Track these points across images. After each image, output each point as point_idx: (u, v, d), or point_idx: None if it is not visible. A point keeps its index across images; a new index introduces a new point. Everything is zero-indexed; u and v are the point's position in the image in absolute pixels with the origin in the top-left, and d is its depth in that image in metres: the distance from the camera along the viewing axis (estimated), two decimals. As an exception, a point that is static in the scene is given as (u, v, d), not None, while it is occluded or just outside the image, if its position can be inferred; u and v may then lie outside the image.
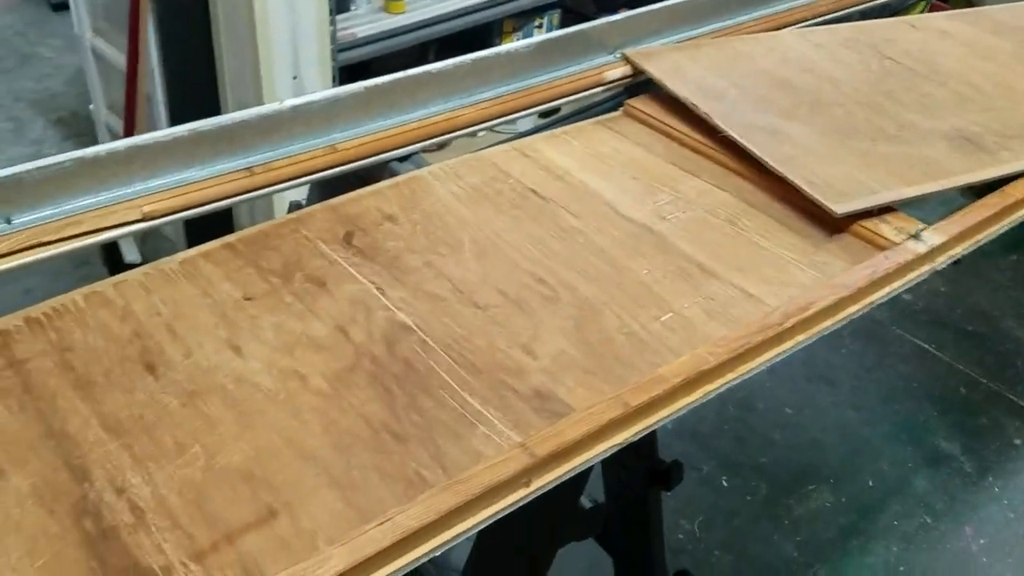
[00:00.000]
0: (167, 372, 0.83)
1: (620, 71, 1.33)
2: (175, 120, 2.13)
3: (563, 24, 3.02)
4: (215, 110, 2.12)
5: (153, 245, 2.33)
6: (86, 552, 0.67)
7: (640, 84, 1.35)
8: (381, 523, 0.69)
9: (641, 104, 1.29)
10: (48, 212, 0.93)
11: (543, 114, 2.28)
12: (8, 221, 0.92)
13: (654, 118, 1.26)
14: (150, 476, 0.74)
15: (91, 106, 2.45)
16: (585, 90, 1.31)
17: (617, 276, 0.98)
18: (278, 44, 1.95)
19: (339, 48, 2.22)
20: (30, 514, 0.70)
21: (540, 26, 2.87)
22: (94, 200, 0.95)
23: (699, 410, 0.86)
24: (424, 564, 0.71)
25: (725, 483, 2.01)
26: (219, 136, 1.01)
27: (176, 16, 1.98)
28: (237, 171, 1.03)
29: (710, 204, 1.11)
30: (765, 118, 1.22)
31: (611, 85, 1.33)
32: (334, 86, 2.23)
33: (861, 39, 1.47)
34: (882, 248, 1.03)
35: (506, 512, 0.74)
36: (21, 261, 0.90)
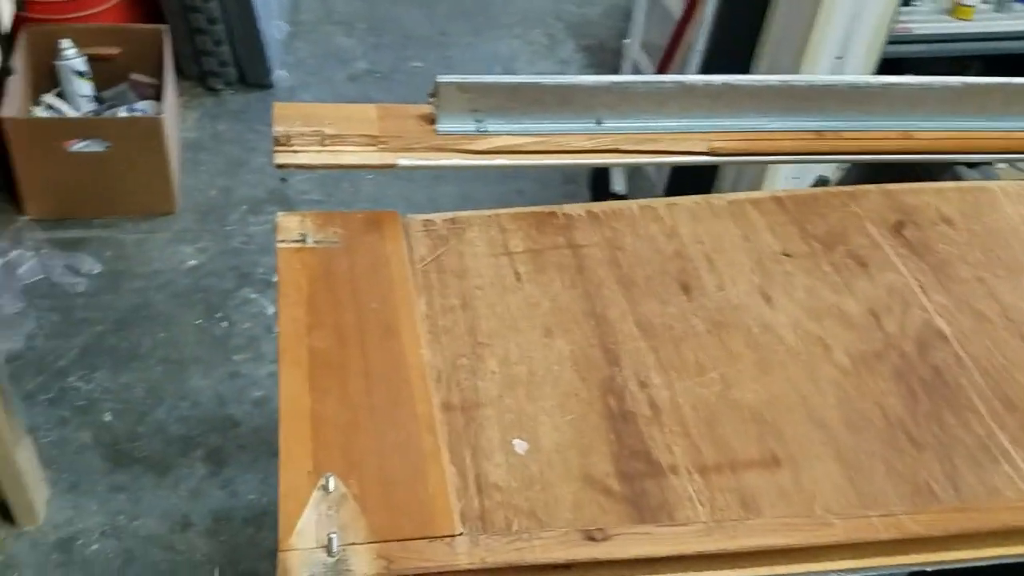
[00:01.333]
0: (699, 297, 0.88)
1: None
2: (707, 71, 2.21)
3: None
4: (745, 71, 2.16)
5: (636, 183, 2.46)
6: (607, 424, 0.74)
7: None
8: (885, 516, 0.66)
9: None
10: (635, 124, 1.01)
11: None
12: (599, 122, 1.02)
13: None
14: (670, 382, 0.79)
15: (626, 40, 2.62)
16: None
17: None
18: (836, 20, 1.91)
19: (890, 40, 2.12)
20: (567, 374, 0.79)
21: (1122, 67, 2.47)
22: (674, 124, 1.02)
23: None
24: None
25: None
26: (801, 95, 1.02)
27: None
28: (807, 132, 1.03)
29: None
30: None
31: None
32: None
33: None
34: None
35: (1010, 559, 0.68)
36: (604, 161, 0.99)
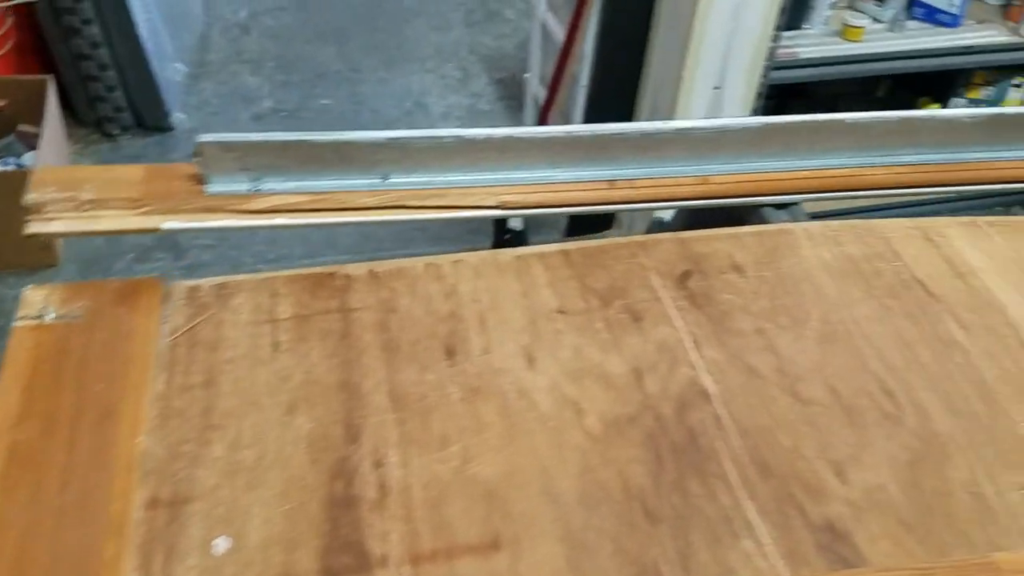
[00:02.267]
0: (463, 361, 0.83)
1: (1086, 167, 1.08)
2: (592, 103, 2.19)
3: None
4: (630, 103, 2.13)
5: (538, 218, 2.43)
6: (327, 512, 0.70)
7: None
8: (594, 605, 0.62)
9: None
10: (422, 179, 0.97)
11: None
12: (385, 178, 0.98)
13: None
14: (407, 459, 0.74)
15: (526, 74, 2.61)
16: (1030, 180, 1.08)
17: (989, 418, 0.80)
18: (710, 50, 1.89)
19: (775, 66, 2.10)
20: (298, 457, 0.74)
21: (1019, 86, 2.48)
22: (462, 178, 0.98)
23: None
24: None
25: None
26: (592, 144, 0.99)
27: (620, 6, 2.01)
28: (600, 181, 1.00)
29: None
30: None
31: (1071, 181, 1.08)
32: (757, 104, 2.13)
33: None
34: None
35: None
36: (388, 217, 0.96)
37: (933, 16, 2.33)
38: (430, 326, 0.87)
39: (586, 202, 0.99)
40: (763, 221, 1.03)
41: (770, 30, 1.92)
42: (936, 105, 2.54)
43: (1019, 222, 1.03)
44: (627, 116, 2.18)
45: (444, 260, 0.96)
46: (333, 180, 0.97)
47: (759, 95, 2.13)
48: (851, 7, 2.42)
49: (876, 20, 2.34)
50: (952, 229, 1.02)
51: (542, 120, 2.27)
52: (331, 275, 0.93)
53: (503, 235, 1.65)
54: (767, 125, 1.02)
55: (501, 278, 0.93)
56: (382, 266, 0.95)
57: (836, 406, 0.80)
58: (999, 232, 1.02)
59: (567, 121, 2.32)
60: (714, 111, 2.02)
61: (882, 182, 1.04)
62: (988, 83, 2.48)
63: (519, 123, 2.89)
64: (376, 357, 0.84)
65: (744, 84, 1.99)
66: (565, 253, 0.96)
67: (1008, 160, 1.08)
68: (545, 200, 0.98)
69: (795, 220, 1.03)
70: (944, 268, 0.96)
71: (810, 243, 0.98)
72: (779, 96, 2.50)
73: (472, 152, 0.98)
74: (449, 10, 3.61)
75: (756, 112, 2.16)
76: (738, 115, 2.08)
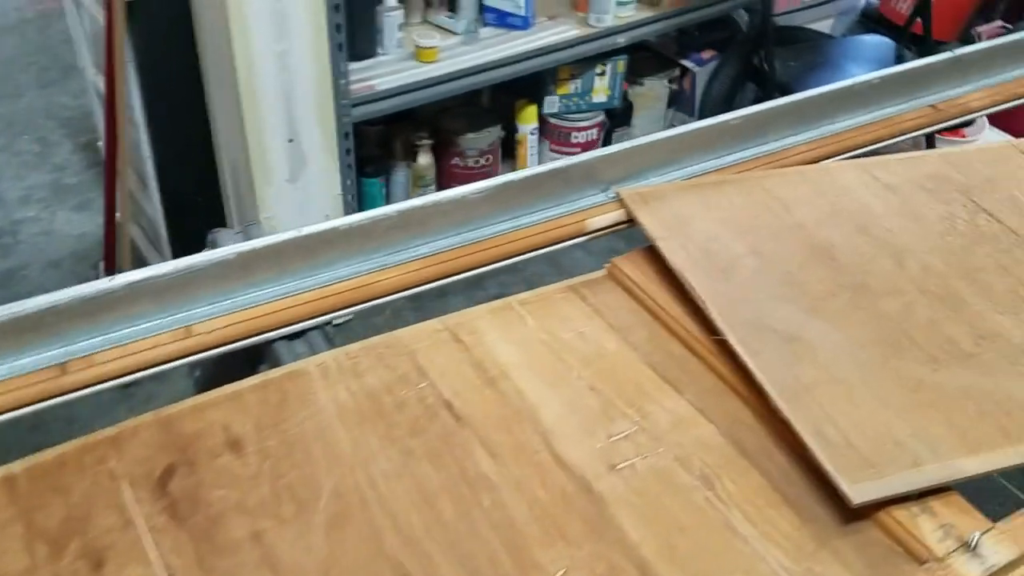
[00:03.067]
0: None
1: (610, 217, 1.03)
2: (163, 171, 1.93)
3: (631, 71, 2.71)
4: (210, 167, 1.91)
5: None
6: None
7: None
8: None
9: (630, 265, 0.99)
10: None
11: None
12: None
13: (642, 289, 0.96)
14: None
15: (100, 143, 2.29)
16: (559, 243, 1.01)
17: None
18: (265, 103, 1.72)
19: (354, 103, 1.98)
20: None
21: (602, 74, 2.56)
22: None
23: None
24: None
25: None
26: (25, 326, 0.77)
27: (160, 68, 1.77)
28: (47, 368, 0.78)
29: (685, 445, 0.80)
30: (784, 312, 0.90)
31: (596, 234, 1.03)
32: (345, 144, 2.00)
33: (952, 177, 1.12)
34: (919, 559, 0.71)
35: None
36: None
37: (505, 20, 2.33)
38: None
39: (35, 399, 0.77)
40: (276, 363, 0.88)
41: (328, 70, 1.78)
42: (533, 106, 2.56)
43: (552, 294, 0.96)
44: (210, 181, 1.95)
45: None
46: None
47: (345, 135, 2.00)
48: (425, 21, 2.35)
49: (452, 32, 2.30)
50: (483, 321, 0.92)
51: (108, 196, 1.96)
52: None
53: None
54: (243, 253, 0.86)
55: None
56: None
57: (355, 610, 0.67)
58: (532, 312, 0.94)
59: (143, 184, 2.04)
60: (297, 164, 1.85)
61: (393, 286, 0.93)
62: (574, 76, 2.54)
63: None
64: None
65: (320, 131, 1.84)
66: (10, 480, 0.74)
67: (528, 227, 1.01)
68: None
69: (312, 351, 0.89)
70: (473, 377, 0.86)
71: (325, 383, 0.84)
72: (389, 122, 2.39)
73: None
74: (18, 71, 3.13)
75: (349, 152, 2.03)
76: (325, 163, 1.93)
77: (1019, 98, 1.31)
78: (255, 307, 0.87)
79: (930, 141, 2.70)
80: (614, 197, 1.05)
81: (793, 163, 1.15)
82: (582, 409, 0.83)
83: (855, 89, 1.18)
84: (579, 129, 2.61)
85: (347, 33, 1.94)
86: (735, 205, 1.05)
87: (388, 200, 2.42)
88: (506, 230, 0.99)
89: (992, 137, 3.10)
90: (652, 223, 1.01)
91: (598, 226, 1.03)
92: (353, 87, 1.97)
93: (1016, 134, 3.17)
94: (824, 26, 3.76)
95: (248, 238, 0.91)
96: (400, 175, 2.40)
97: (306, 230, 0.87)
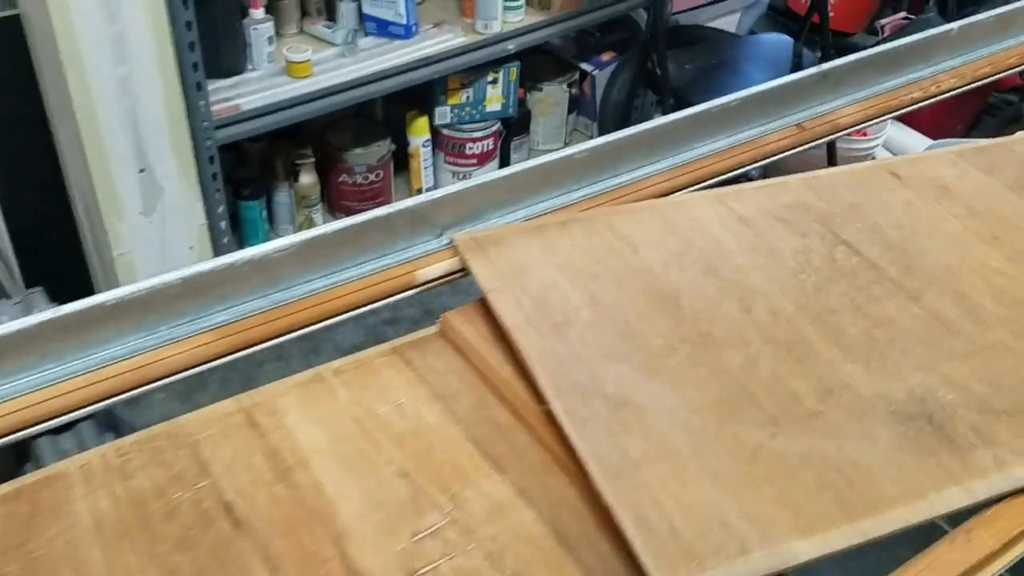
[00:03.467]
0: None
1: (443, 266, 0.94)
2: (8, 208, 1.78)
3: (529, 76, 2.63)
4: (63, 201, 1.77)
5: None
6: None
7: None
8: None
9: (462, 321, 0.90)
10: None
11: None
12: None
13: (474, 349, 0.87)
14: None
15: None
16: (384, 298, 0.92)
17: None
18: (108, 132, 1.58)
19: (217, 124, 1.85)
20: None
21: (495, 82, 2.47)
22: None
23: None
24: None
25: None
26: None
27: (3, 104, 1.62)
28: None
29: (500, 537, 0.71)
30: (618, 373, 0.82)
31: (427, 287, 0.94)
32: (210, 169, 1.87)
33: (813, 206, 1.05)
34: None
35: None
36: None
37: (386, 30, 2.22)
38: None
39: None
40: (38, 461, 0.76)
41: (179, 93, 1.66)
42: (424, 118, 2.46)
43: (372, 360, 0.86)
44: (63, 216, 1.81)
45: None
46: None
47: (210, 160, 1.87)
48: (302, 32, 2.23)
49: (331, 44, 2.18)
50: (288, 398, 0.82)
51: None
52: None
53: None
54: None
55: None
56: None
57: None
58: (346, 383, 0.84)
59: None
60: (152, 195, 1.72)
61: (180, 363, 0.82)
62: (464, 85, 2.44)
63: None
64: None
65: (175, 158, 1.71)
66: None
67: (344, 283, 0.91)
68: None
69: (81, 446, 0.78)
70: (264, 470, 0.75)
71: (86, 488, 0.73)
72: (272, 138, 2.27)
73: None
74: None
75: (216, 177, 1.90)
76: (185, 192, 1.80)
77: (891, 112, 1.25)
78: (11, 399, 0.76)
79: (831, 149, 2.67)
80: (448, 244, 0.96)
81: (647, 196, 1.07)
82: (388, 502, 0.74)
83: (711, 113, 1.10)
84: (474, 140, 2.51)
85: (209, 50, 1.81)
86: (578, 248, 0.96)
87: (271, 223, 2.29)
88: (321, 288, 0.89)
89: (895, 133, 3.09)
90: (485, 272, 0.92)
91: (429, 277, 0.93)
92: (216, 107, 1.84)
93: (923, 127, 3.15)
94: (730, 22, 3.73)
95: (30, 308, 0.80)
96: (283, 196, 2.28)
97: (66, 308, 0.76)
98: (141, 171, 1.66)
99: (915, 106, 1.30)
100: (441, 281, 0.94)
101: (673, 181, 1.09)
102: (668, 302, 0.90)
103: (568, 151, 1.02)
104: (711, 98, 1.13)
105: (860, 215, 1.04)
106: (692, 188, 1.10)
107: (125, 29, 1.49)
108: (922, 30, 1.33)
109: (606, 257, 0.95)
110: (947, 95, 1.34)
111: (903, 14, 3.63)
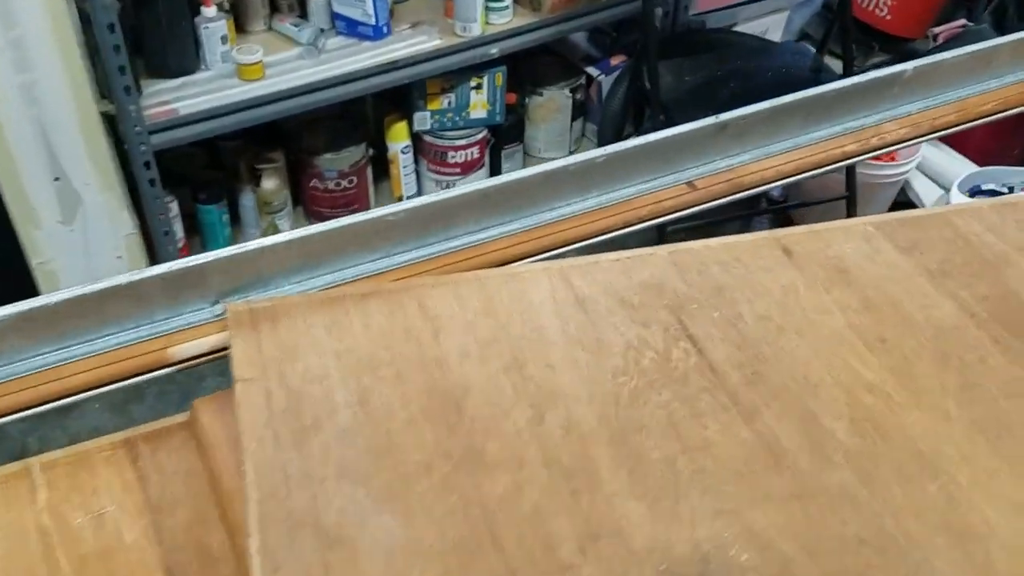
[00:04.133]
0: None
1: (207, 342, 0.83)
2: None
3: (530, 79, 2.49)
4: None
5: None
6: None
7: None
8: None
9: (211, 411, 0.79)
10: None
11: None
12: None
13: (213, 446, 0.76)
14: None
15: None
16: (124, 379, 0.81)
17: None
18: (16, 140, 1.52)
19: (152, 129, 1.77)
20: None
21: (479, 87, 2.33)
22: None
23: None
24: None
25: None
26: None
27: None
28: None
29: None
30: (350, 499, 0.69)
31: (184, 366, 0.83)
32: (147, 175, 1.80)
33: (670, 287, 0.90)
34: None
35: None
36: None
37: (355, 30, 2.10)
38: None
39: None
40: None
41: (91, 99, 1.58)
42: (403, 123, 2.34)
43: (91, 453, 0.76)
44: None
45: None
46: None
47: (146, 165, 1.80)
48: (271, 30, 2.14)
49: (298, 43, 2.08)
50: None
51: None
52: None
53: None
54: None
55: None
56: None
57: None
58: (51, 483, 0.74)
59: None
60: (70, 204, 1.66)
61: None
62: (445, 90, 2.31)
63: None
64: None
65: (92, 166, 1.65)
66: None
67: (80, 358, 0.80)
68: None
69: None
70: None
71: None
72: (238, 138, 2.19)
73: None
74: None
75: (154, 183, 1.83)
76: (107, 200, 1.73)
77: (805, 171, 1.08)
78: None
79: (850, 175, 2.44)
80: (222, 315, 0.85)
81: (485, 263, 0.94)
82: (38, 639, 0.64)
83: (571, 170, 0.96)
84: (455, 148, 2.39)
85: (154, 50, 1.74)
86: (371, 328, 0.84)
87: (234, 227, 2.22)
88: (45, 365, 0.78)
89: (934, 156, 2.83)
90: (245, 355, 0.80)
91: (186, 355, 0.82)
92: (152, 111, 1.76)
93: (968, 150, 2.86)
94: (777, 22, 3.48)
95: None
96: (248, 199, 2.20)
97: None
98: (56, 179, 1.60)
99: (853, 159, 1.12)
100: (205, 359, 0.83)
101: (523, 247, 0.95)
102: (448, 406, 0.77)
103: (383, 210, 0.90)
104: (704, 116, 1.00)
105: (723, 302, 0.88)
106: (544, 256, 0.96)
107: (24, 35, 1.42)
108: (973, 42, 1.18)
109: (398, 342, 0.82)
110: (895, 148, 1.16)
111: (962, 21, 3.33)
